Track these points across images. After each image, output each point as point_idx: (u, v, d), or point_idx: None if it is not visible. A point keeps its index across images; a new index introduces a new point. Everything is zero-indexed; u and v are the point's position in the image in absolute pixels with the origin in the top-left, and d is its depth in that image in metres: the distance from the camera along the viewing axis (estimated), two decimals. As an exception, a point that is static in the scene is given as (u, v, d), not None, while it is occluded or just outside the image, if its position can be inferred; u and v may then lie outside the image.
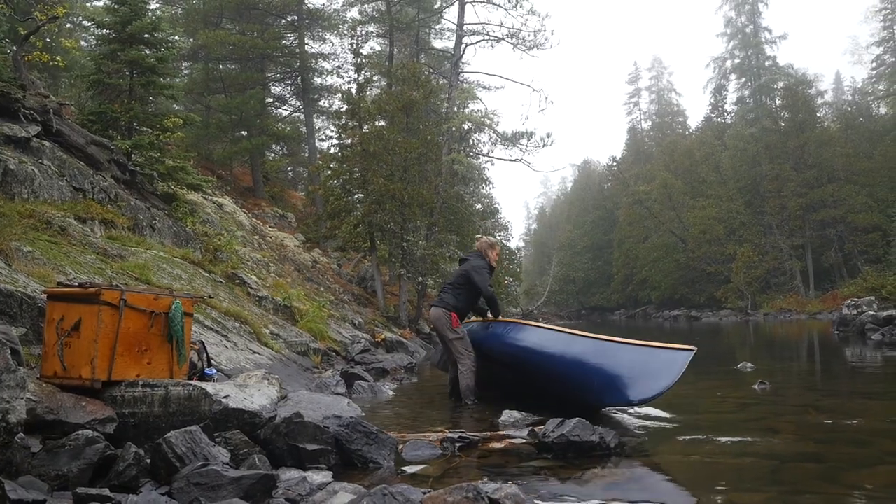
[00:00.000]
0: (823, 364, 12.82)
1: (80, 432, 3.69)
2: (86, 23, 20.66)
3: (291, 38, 31.98)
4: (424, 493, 3.43)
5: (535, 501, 3.57)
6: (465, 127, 29.19)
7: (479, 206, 32.97)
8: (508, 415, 6.15)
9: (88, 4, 24.25)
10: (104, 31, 13.76)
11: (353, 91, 22.66)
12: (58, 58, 13.42)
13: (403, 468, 4.32)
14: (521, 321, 7.62)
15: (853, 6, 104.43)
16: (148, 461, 3.77)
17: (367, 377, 9.03)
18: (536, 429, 5.20)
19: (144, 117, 13.54)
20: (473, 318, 8.34)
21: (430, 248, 21.43)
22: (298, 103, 34.15)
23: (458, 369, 7.35)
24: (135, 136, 13.22)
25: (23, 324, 5.22)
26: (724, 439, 5.08)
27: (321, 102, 34.68)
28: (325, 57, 33.40)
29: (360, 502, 3.20)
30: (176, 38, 18.03)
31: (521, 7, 29.25)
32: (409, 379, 10.49)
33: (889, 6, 54.42)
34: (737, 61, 61.88)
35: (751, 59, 60.52)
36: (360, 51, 23.65)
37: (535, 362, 6.62)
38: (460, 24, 29.68)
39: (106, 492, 3.32)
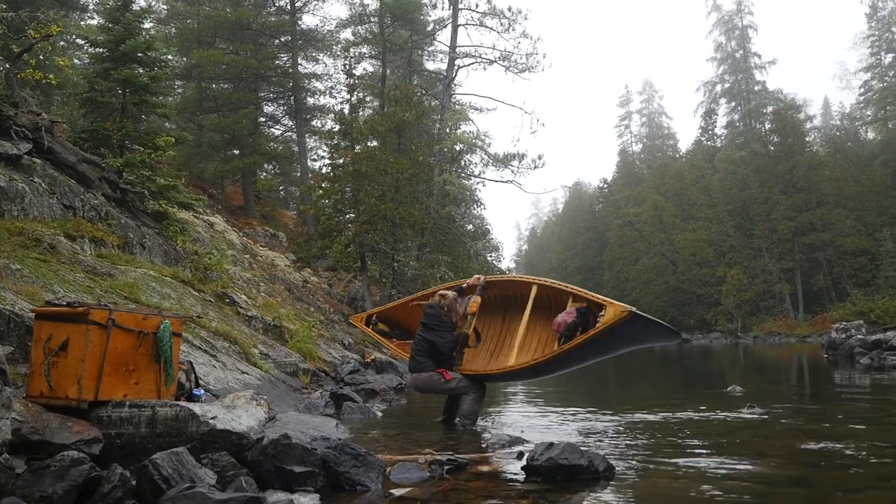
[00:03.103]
0: (813, 388, 12.85)
1: (65, 453, 3.65)
2: (79, 41, 20.71)
3: (285, 59, 32.13)
4: (412, 517, 3.42)
5: (524, 525, 3.55)
6: (457, 148, 29.34)
7: (470, 226, 33.04)
8: (497, 437, 6.14)
9: (82, 23, 24.31)
10: (98, 49, 13.79)
11: (346, 111, 22.77)
12: (51, 75, 13.42)
13: (391, 491, 4.29)
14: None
15: (842, 32, 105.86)
16: (134, 483, 3.73)
17: (356, 398, 8.99)
18: (525, 452, 5.18)
19: (136, 136, 13.53)
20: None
21: (421, 268, 21.43)
22: (291, 123, 34.27)
23: (460, 399, 7.25)
24: (126, 155, 13.21)
25: (10, 342, 5.19)
26: (713, 463, 5.07)
27: (313, 122, 34.82)
28: (317, 77, 33.59)
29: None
30: (169, 57, 18.09)
31: (513, 30, 29.62)
32: (399, 400, 10.45)
33: (876, 33, 55.19)
34: (727, 86, 62.56)
35: (740, 83, 61.19)
36: (353, 72, 23.81)
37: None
38: (453, 46, 29.93)
39: (90, 514, 3.29)
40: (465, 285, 7.85)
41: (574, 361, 7.23)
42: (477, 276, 8.09)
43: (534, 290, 7.53)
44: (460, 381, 7.17)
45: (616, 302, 6.63)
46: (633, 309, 6.39)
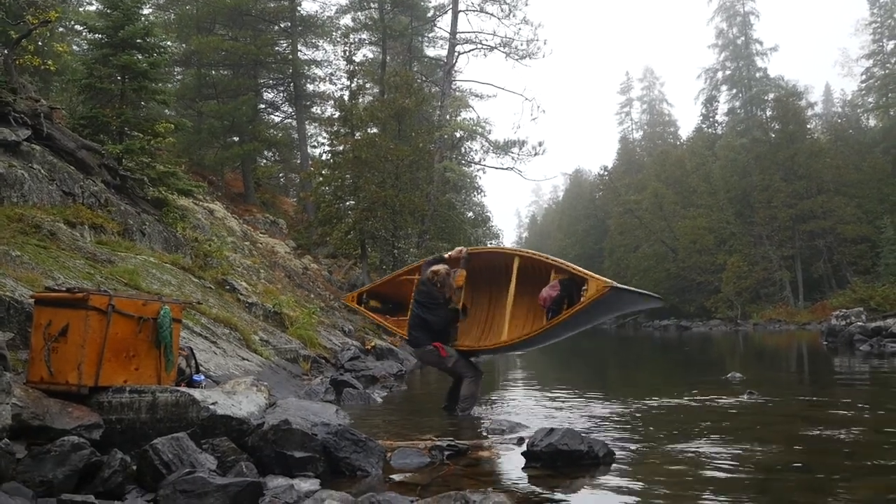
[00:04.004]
0: (812, 375, 12.87)
1: (65, 438, 3.66)
2: (78, 27, 20.62)
3: (284, 45, 31.98)
4: (412, 502, 3.43)
5: (523, 510, 3.56)
6: (458, 135, 29.28)
7: (470, 213, 32.98)
8: (497, 423, 6.16)
9: (81, 9, 24.20)
10: (96, 35, 13.72)
11: (346, 98, 22.70)
12: (49, 62, 13.35)
13: (391, 476, 4.30)
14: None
15: (844, 19, 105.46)
16: (134, 468, 3.74)
17: (356, 384, 9.00)
18: (525, 437, 5.19)
19: (136, 122, 13.48)
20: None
21: (421, 255, 21.40)
22: (291, 110, 34.15)
23: (461, 382, 7.28)
24: (126, 141, 13.16)
25: (10, 328, 5.19)
26: (712, 449, 5.09)
27: (313, 109, 34.68)
28: (317, 64, 33.43)
29: (348, 510, 3.18)
30: (168, 43, 18.02)
31: (513, 17, 29.50)
32: (399, 386, 10.47)
33: (878, 20, 54.92)
34: (728, 72, 62.26)
35: (742, 70, 60.90)
36: (353, 58, 23.72)
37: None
38: (453, 32, 29.81)
39: (91, 499, 3.30)
40: (447, 256, 7.80)
41: (563, 332, 7.47)
42: (459, 248, 8.06)
43: (516, 262, 7.54)
44: (457, 360, 7.21)
45: (597, 276, 6.72)
46: (614, 284, 6.51)
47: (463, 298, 7.84)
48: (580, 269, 7.10)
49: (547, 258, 7.55)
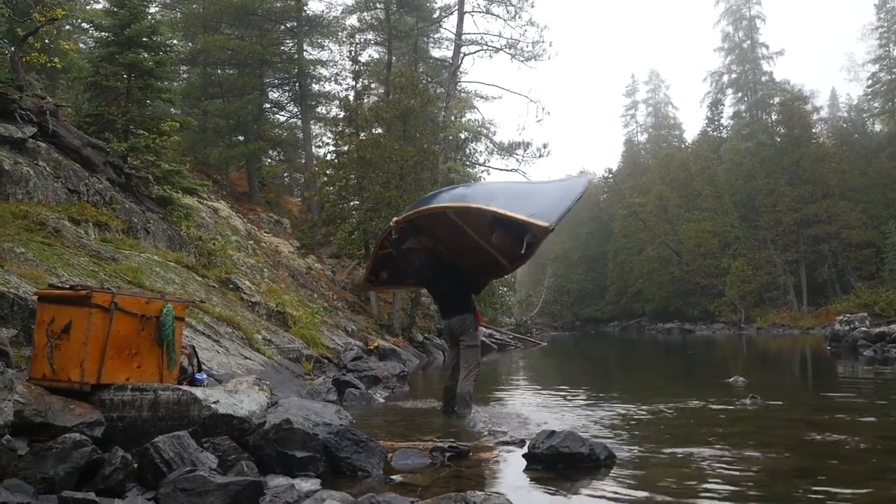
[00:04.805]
0: (815, 379, 12.84)
1: (67, 435, 3.67)
2: (84, 25, 20.66)
3: (290, 45, 32.00)
4: (413, 502, 3.43)
5: (524, 512, 3.56)
6: (462, 136, 29.26)
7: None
8: (498, 425, 6.15)
9: (88, 7, 24.24)
10: (103, 33, 13.75)
11: (351, 98, 22.72)
12: (56, 59, 13.36)
13: (392, 477, 4.30)
14: None
15: (850, 23, 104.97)
16: (135, 466, 3.75)
17: (358, 385, 9.01)
18: (526, 439, 5.18)
19: (141, 120, 13.50)
20: None
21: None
22: (296, 109, 34.15)
23: (459, 377, 7.29)
24: (131, 139, 13.18)
25: (14, 325, 5.20)
26: (714, 453, 5.07)
27: (318, 109, 34.69)
28: (323, 64, 33.43)
29: (348, 511, 3.18)
30: (174, 41, 18.04)
31: (519, 18, 29.51)
32: (401, 387, 10.47)
33: (885, 24, 54.80)
34: (734, 76, 62.18)
35: (748, 74, 60.82)
36: (359, 58, 23.71)
37: None
38: (459, 33, 29.83)
39: (92, 496, 3.30)
40: (395, 235, 7.76)
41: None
42: (393, 220, 8.03)
43: (455, 217, 7.66)
44: (476, 346, 7.44)
45: (531, 221, 6.46)
46: (550, 226, 6.39)
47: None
48: (512, 214, 6.71)
49: (478, 208, 7.26)
